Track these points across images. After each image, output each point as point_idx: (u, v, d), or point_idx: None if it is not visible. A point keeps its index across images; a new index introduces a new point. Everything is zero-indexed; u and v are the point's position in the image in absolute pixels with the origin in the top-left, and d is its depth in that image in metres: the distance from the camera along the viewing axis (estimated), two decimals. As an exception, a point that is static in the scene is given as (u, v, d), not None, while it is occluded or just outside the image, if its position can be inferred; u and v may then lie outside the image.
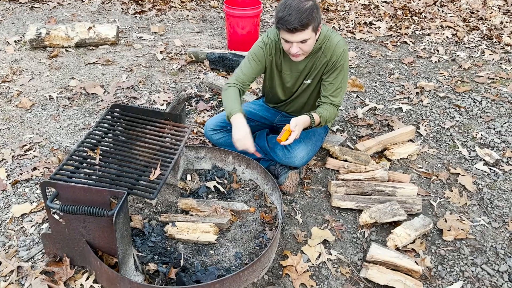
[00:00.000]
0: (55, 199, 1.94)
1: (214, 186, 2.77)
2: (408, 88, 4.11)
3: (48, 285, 2.11)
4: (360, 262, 2.41)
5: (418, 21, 5.74)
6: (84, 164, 2.15)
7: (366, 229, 2.60)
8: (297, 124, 2.50)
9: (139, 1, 5.90)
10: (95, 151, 2.18)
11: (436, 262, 2.41)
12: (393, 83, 4.22)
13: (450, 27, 5.55)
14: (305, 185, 2.91)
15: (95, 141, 2.29)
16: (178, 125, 2.48)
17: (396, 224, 2.60)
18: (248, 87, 2.74)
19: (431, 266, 2.37)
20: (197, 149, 2.87)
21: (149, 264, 2.23)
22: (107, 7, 5.72)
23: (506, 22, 5.80)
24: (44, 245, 2.21)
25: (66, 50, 4.53)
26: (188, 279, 2.16)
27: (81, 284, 2.14)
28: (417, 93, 4.03)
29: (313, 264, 2.37)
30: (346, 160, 3.05)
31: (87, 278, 2.17)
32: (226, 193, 2.76)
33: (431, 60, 4.69)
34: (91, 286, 2.14)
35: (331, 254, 2.43)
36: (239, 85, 2.68)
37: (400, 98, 3.95)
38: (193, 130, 3.34)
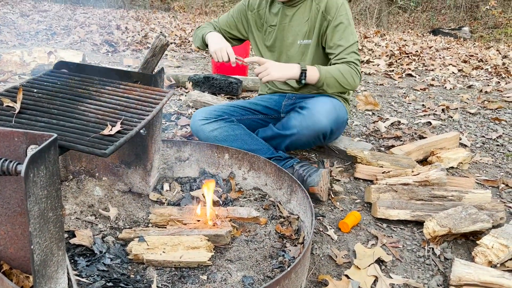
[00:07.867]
0: None
1: (204, 195, 1.88)
2: (430, 107, 3.45)
3: None
4: (442, 288, 1.51)
5: (418, 59, 5.32)
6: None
7: (434, 244, 1.73)
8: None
9: (113, 43, 5.33)
10: (16, 97, 1.34)
11: (559, 284, 1.53)
12: (410, 103, 3.57)
13: (453, 65, 5.12)
14: (333, 196, 2.07)
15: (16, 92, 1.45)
16: (152, 89, 1.68)
17: (474, 237, 1.76)
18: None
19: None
20: (180, 146, 2.04)
21: (96, 293, 1.28)
22: (76, 46, 5.11)
23: (509, 63, 5.43)
24: None
25: (20, 78, 3.77)
26: (165, 317, 1.21)
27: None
28: (443, 110, 3.37)
29: (368, 294, 1.46)
30: (382, 167, 2.25)
31: (-21, 320, 1.19)
32: (221, 203, 1.89)
33: (445, 87, 4.12)
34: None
35: (392, 279, 1.54)
36: (214, 26, 2.33)
37: (424, 115, 3.27)
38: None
